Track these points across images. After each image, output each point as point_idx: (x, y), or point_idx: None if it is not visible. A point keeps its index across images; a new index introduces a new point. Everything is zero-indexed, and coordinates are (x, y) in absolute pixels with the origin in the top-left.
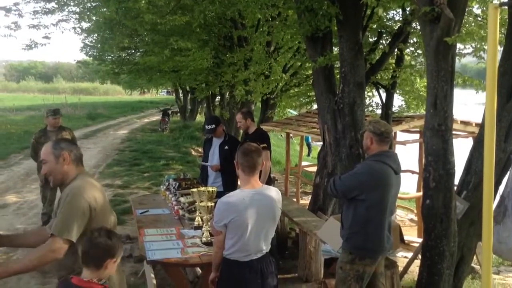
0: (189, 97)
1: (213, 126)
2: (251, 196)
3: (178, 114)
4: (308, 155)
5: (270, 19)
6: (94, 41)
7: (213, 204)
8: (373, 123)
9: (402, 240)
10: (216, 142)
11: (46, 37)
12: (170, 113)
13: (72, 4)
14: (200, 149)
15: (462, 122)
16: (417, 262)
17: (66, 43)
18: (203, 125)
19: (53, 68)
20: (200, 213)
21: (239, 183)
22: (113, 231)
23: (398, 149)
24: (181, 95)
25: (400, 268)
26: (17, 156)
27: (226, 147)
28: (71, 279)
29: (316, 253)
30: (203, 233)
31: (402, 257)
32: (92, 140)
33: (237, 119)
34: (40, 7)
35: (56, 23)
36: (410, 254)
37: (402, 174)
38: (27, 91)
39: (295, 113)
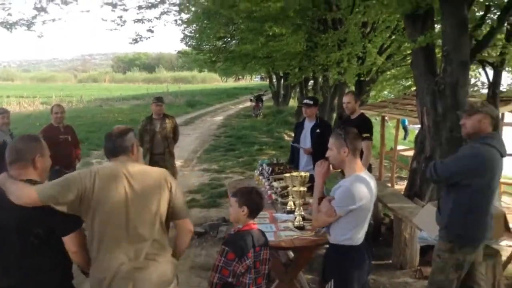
0: (282, 82)
1: (312, 102)
2: (370, 180)
3: (262, 96)
4: (405, 138)
5: None
6: (193, 31)
7: (305, 189)
8: (487, 105)
9: (507, 228)
10: (308, 125)
11: (150, 30)
12: (261, 95)
13: None
14: (293, 133)
15: None
16: None
17: (167, 35)
18: (297, 109)
19: (155, 59)
20: (292, 197)
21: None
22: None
23: (506, 131)
24: (274, 80)
25: (504, 258)
26: None
27: (318, 130)
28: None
29: (412, 240)
30: (295, 218)
31: (506, 246)
32: (191, 127)
33: (347, 99)
34: (143, 1)
35: (158, 16)
36: None
37: (510, 158)
38: (132, 81)
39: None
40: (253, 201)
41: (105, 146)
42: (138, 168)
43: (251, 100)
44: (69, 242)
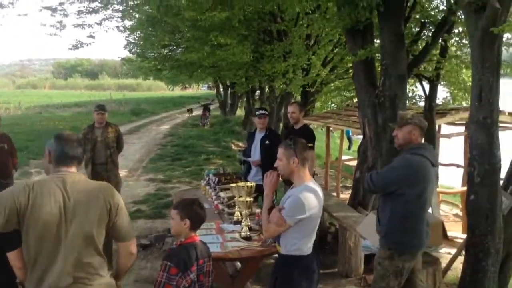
0: (229, 91)
1: (266, 112)
2: (319, 191)
3: (209, 105)
4: (349, 148)
5: (310, 12)
6: (137, 38)
7: (252, 199)
8: (417, 117)
9: (445, 236)
10: (258, 136)
11: (91, 36)
12: (208, 105)
13: (115, 2)
14: (241, 143)
15: (510, 114)
16: (461, 259)
17: (111, 41)
18: (244, 118)
19: (98, 65)
20: (239, 208)
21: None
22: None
23: (443, 142)
24: (221, 90)
25: (443, 265)
26: None
27: (267, 142)
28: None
29: (356, 248)
30: (242, 228)
31: (445, 253)
32: (136, 136)
33: (292, 109)
34: (84, 6)
35: (100, 22)
36: (453, 251)
37: (447, 168)
38: (74, 88)
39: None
40: (195, 213)
41: (60, 151)
42: (80, 183)
43: (188, 111)
44: (14, 258)
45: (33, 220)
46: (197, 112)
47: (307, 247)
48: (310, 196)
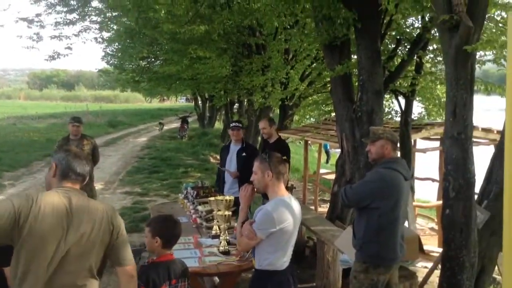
0: (207, 104)
1: (240, 125)
2: (294, 204)
3: (188, 117)
4: (327, 162)
5: (288, 27)
6: (115, 50)
7: (230, 213)
8: (388, 132)
9: (421, 250)
10: (234, 149)
11: (69, 48)
12: (186, 117)
13: (93, 14)
14: (219, 156)
15: (484, 130)
16: (437, 273)
17: (88, 52)
18: (222, 131)
19: (75, 77)
20: (217, 222)
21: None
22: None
23: (418, 157)
24: (199, 102)
25: (420, 279)
26: (39, 163)
27: (244, 154)
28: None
29: (334, 262)
30: (220, 242)
31: (422, 267)
32: (113, 148)
33: (262, 125)
34: (61, 18)
35: (77, 33)
36: (430, 264)
37: (422, 182)
38: (49, 99)
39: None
40: (166, 231)
41: (68, 166)
42: (84, 201)
43: (160, 124)
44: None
45: (30, 234)
46: (169, 126)
47: (281, 262)
48: (281, 209)
